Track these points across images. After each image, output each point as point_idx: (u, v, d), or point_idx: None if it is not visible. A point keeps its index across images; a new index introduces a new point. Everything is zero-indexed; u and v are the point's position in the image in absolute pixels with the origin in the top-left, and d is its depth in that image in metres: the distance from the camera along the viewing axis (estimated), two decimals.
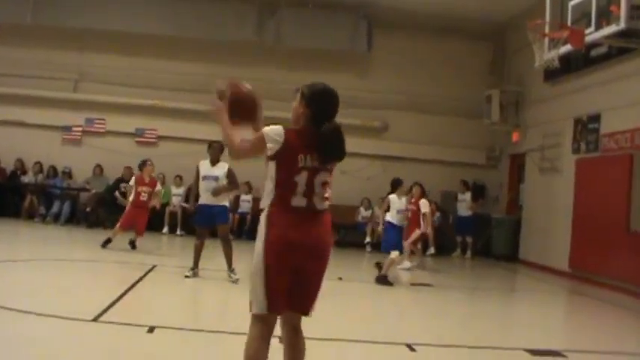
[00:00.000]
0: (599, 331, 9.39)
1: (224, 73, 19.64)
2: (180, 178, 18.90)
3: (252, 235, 17.96)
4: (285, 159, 4.39)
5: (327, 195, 4.51)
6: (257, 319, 4.38)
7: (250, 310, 4.39)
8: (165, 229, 18.49)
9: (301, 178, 4.36)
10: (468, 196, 18.82)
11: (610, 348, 8.08)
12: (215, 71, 19.69)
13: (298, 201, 4.37)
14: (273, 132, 4.48)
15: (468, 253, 18.61)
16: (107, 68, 19.43)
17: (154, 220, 18.28)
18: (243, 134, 4.73)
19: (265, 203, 4.44)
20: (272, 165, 4.43)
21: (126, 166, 18.50)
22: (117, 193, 17.69)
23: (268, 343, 4.40)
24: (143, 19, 19.00)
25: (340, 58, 20.12)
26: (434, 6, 18.28)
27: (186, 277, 10.14)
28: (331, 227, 4.56)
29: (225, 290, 9.92)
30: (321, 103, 4.64)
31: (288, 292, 4.34)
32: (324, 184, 4.46)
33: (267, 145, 4.41)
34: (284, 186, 4.38)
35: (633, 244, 12.66)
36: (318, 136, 4.44)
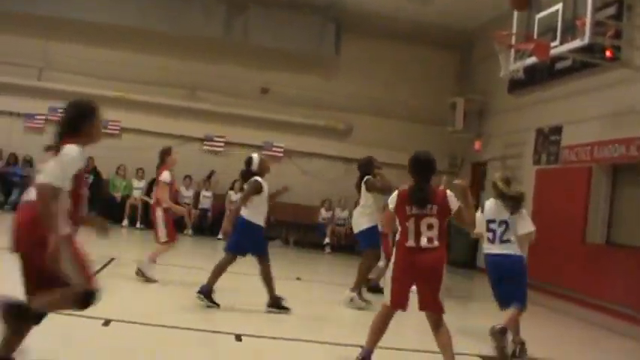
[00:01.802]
0: (552, 341, 9.55)
1: (190, 67, 19.67)
2: (142, 171, 18.80)
3: (214, 232, 18.08)
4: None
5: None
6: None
7: None
8: (125, 222, 18.36)
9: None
10: None
11: (559, 357, 8.21)
12: (181, 66, 19.69)
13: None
14: None
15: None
16: (73, 58, 19.25)
17: (115, 213, 18.20)
18: None
19: None
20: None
21: (88, 157, 18.30)
22: None
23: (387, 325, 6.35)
24: (111, 10, 18.83)
25: (308, 59, 20.16)
26: (402, 12, 18.38)
27: None
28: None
29: (182, 286, 9.88)
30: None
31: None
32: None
33: None
34: None
35: (588, 255, 12.85)
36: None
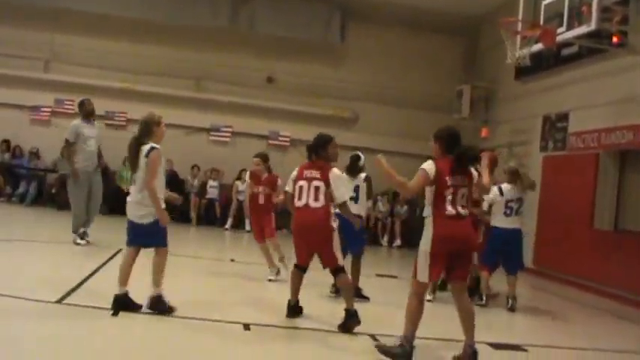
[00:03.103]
0: (560, 327, 9.53)
1: (196, 58, 19.64)
2: None
3: (223, 222, 18.15)
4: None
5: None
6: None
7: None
8: None
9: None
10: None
11: (570, 344, 8.20)
12: (187, 56, 19.67)
13: None
14: None
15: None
16: (79, 49, 19.26)
17: (122, 205, 18.22)
18: None
19: None
20: None
21: None
22: None
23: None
24: (116, 1, 18.84)
25: (313, 47, 20.13)
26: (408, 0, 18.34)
27: None
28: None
29: (191, 276, 9.90)
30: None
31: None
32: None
33: None
34: None
35: (596, 241, 12.84)
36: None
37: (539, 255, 14.87)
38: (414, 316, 6.34)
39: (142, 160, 7.15)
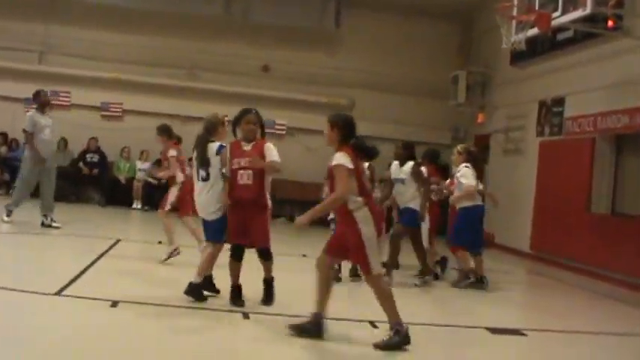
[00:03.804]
0: (558, 311, 9.56)
1: (191, 47, 19.59)
2: (147, 152, 18.80)
3: None
4: None
5: None
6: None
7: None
8: (137, 204, 18.32)
9: None
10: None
11: (568, 327, 8.24)
12: (181, 45, 19.63)
13: None
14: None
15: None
16: (73, 40, 19.17)
17: (120, 195, 18.27)
18: None
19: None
20: None
21: (91, 137, 18.43)
22: (81, 164, 17.62)
23: None
24: None
25: (308, 35, 20.08)
26: None
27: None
28: None
29: (190, 266, 9.90)
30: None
31: None
32: None
33: None
34: None
35: (593, 225, 12.87)
36: None
37: (537, 239, 14.91)
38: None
39: (214, 158, 7.43)
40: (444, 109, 19.56)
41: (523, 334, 7.42)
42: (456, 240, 10.33)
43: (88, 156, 18.46)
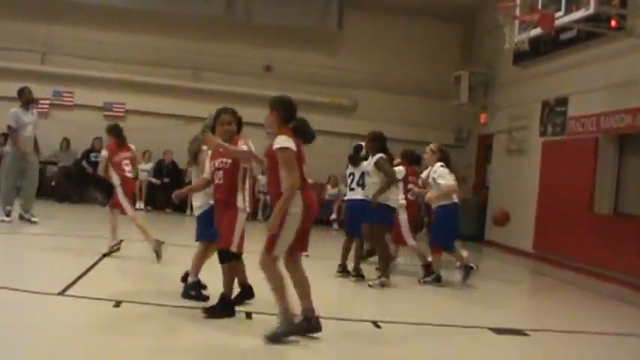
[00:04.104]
0: (561, 311, 9.55)
1: (193, 47, 19.59)
2: (149, 153, 18.80)
3: None
4: None
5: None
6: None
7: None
8: (140, 204, 18.28)
9: None
10: None
11: (571, 327, 8.23)
12: (184, 46, 19.63)
13: None
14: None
15: None
16: (75, 41, 19.19)
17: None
18: None
19: None
20: None
21: (95, 137, 18.43)
22: (84, 163, 17.62)
23: None
24: None
25: (311, 35, 20.11)
26: None
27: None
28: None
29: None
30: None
31: None
32: None
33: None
34: None
35: (596, 225, 12.86)
36: None
37: (539, 239, 14.90)
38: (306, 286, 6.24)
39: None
40: (447, 109, 19.57)
41: (526, 335, 7.41)
42: (436, 240, 10.24)
43: (91, 155, 18.45)
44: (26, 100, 12.92)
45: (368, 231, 9.70)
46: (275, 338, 5.92)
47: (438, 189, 10.02)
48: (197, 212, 7.61)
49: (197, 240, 7.60)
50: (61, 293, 7.04)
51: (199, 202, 7.54)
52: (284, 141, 5.94)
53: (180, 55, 19.58)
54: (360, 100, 20.43)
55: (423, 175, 10.51)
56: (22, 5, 18.95)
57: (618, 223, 12.72)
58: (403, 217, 10.57)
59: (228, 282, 6.84)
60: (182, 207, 18.55)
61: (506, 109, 17.47)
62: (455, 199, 10.26)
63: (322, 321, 6.23)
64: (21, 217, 12.66)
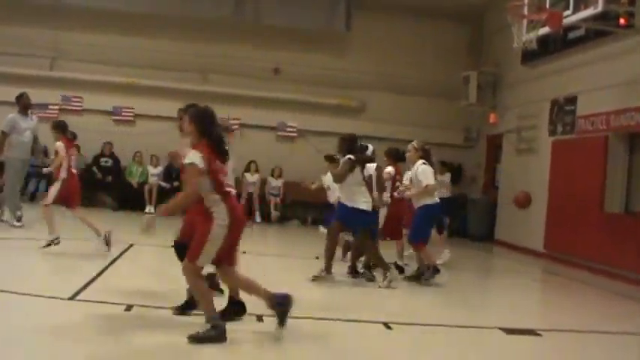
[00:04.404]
0: (572, 311, 9.52)
1: (201, 50, 19.62)
2: (157, 157, 18.81)
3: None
4: None
5: None
6: None
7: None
8: (149, 208, 18.29)
9: None
10: (447, 177, 18.75)
11: (583, 327, 8.20)
12: (192, 49, 19.65)
13: None
14: None
15: (445, 234, 18.68)
16: (84, 46, 19.23)
17: (132, 200, 18.31)
18: None
19: None
20: None
21: (106, 142, 18.49)
22: (94, 168, 17.66)
23: None
24: None
25: (319, 37, 20.10)
26: None
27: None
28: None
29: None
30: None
31: None
32: None
33: None
34: None
35: (607, 224, 12.81)
36: None
37: (550, 239, 14.86)
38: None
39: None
40: (456, 109, 19.54)
41: (538, 334, 7.38)
42: (416, 237, 10.13)
43: (102, 160, 18.51)
44: (24, 105, 12.91)
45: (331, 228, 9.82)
46: (200, 340, 5.87)
47: (420, 187, 9.98)
48: None
49: None
50: (72, 298, 7.05)
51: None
52: (192, 156, 5.95)
53: (188, 58, 19.60)
54: (368, 101, 20.42)
55: (409, 173, 10.49)
56: (31, 11, 18.98)
57: (629, 221, 12.67)
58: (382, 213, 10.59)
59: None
60: None
61: (516, 109, 17.43)
62: (437, 197, 10.26)
63: (334, 323, 6.23)
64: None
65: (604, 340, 7.64)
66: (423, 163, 10.07)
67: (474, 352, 6.70)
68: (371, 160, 10.01)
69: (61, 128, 10.55)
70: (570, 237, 13.89)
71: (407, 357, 6.17)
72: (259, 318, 6.79)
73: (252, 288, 6.30)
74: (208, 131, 6.13)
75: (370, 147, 10.18)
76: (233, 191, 6.21)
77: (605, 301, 10.73)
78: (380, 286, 9.50)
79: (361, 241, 9.83)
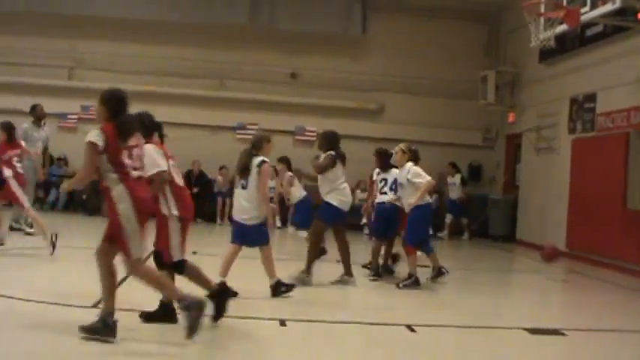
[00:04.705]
0: (597, 310, 9.45)
1: (218, 57, 19.68)
2: None
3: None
4: None
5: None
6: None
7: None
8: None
9: None
10: (457, 179, 18.72)
11: (608, 326, 8.13)
12: (209, 55, 19.72)
13: None
14: None
15: (465, 235, 18.65)
16: (101, 55, 19.38)
17: None
18: None
19: None
20: None
21: None
22: None
23: None
24: (135, 4, 19.02)
25: (335, 41, 20.10)
26: None
27: None
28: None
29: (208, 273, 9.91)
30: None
31: None
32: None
33: None
34: None
35: (630, 222, 12.70)
36: None
37: (573, 238, 14.75)
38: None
39: (254, 170, 8.23)
40: (474, 109, 19.47)
41: (563, 334, 7.32)
42: (411, 239, 9.92)
43: None
44: (38, 116, 13.22)
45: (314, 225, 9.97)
46: (191, 328, 5.81)
47: (414, 189, 9.71)
48: (253, 222, 8.23)
49: (261, 244, 8.29)
50: (95, 305, 7.05)
51: (253, 213, 8.23)
52: (92, 135, 5.95)
53: (205, 65, 19.66)
54: (386, 103, 20.39)
55: (397, 176, 10.16)
56: (49, 22, 19.16)
57: None
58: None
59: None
60: (212, 217, 18.66)
61: (534, 108, 17.35)
62: (428, 198, 10.07)
63: (358, 326, 6.20)
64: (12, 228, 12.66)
65: (630, 340, 7.56)
66: (413, 165, 9.92)
67: (499, 353, 6.66)
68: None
69: (6, 129, 10.81)
70: (593, 235, 13.79)
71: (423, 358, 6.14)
72: (282, 323, 6.81)
73: (156, 282, 6.19)
74: (118, 113, 6.23)
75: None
76: (137, 174, 6.09)
77: (630, 299, 10.64)
78: (399, 287, 9.55)
79: (313, 229, 9.95)
